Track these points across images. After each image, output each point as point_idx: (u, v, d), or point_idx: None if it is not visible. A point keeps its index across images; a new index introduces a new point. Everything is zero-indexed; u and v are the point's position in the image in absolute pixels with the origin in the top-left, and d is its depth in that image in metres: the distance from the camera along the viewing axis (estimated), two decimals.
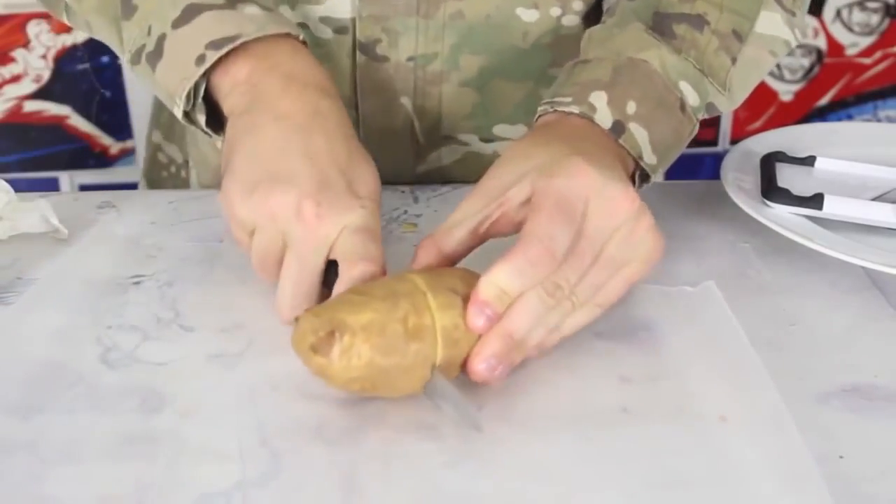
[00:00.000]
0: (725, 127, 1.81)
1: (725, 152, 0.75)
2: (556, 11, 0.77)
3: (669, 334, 0.59)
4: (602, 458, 0.49)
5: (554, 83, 0.67)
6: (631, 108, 0.62)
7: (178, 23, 0.62)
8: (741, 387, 0.54)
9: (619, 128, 0.62)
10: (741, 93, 0.69)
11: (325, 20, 0.76)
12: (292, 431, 0.51)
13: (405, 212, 0.74)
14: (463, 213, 0.57)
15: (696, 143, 1.99)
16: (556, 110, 0.63)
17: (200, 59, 0.61)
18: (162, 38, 0.63)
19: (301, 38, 0.64)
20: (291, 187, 0.56)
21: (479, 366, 0.52)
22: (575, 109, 0.62)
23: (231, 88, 0.62)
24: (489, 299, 0.52)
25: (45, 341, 0.58)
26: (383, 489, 0.47)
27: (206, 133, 0.65)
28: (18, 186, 0.71)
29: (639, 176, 0.64)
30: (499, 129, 0.82)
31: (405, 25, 0.75)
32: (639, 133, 0.62)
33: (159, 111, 0.92)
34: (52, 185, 1.68)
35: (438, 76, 0.78)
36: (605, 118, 0.62)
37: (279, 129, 0.58)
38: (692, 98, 0.65)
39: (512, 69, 0.79)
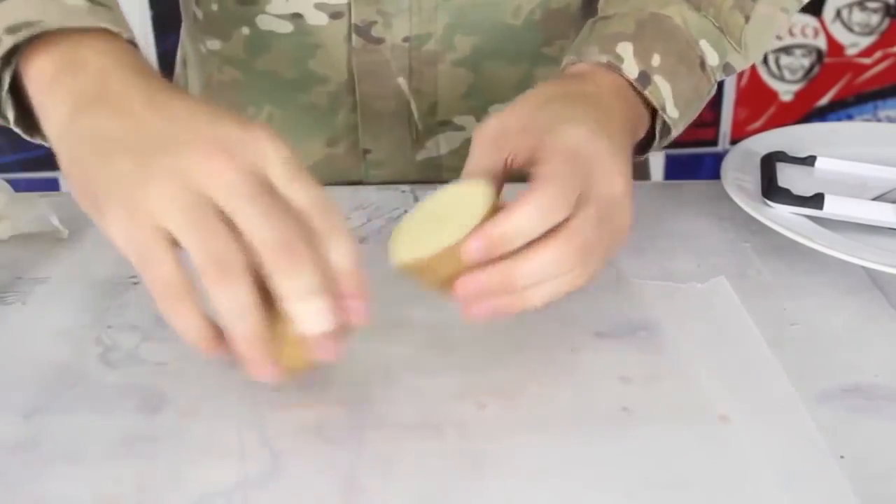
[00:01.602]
0: (725, 127, 1.81)
1: (725, 152, 0.75)
2: None
3: (674, 332, 0.59)
4: (602, 458, 0.49)
5: (576, 39, 0.67)
6: (656, 60, 0.62)
7: None
8: (752, 381, 0.54)
9: (644, 79, 0.62)
10: (755, 51, 0.70)
11: (320, 6, 0.76)
12: (292, 431, 0.51)
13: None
14: (476, 166, 0.57)
15: (696, 143, 2.00)
16: (582, 60, 0.63)
17: None
18: None
19: (126, 36, 0.54)
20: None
21: (465, 282, 0.51)
22: (602, 59, 0.62)
23: (39, 89, 0.53)
24: (494, 236, 0.50)
25: (45, 341, 0.58)
26: (383, 489, 0.47)
27: (17, 130, 0.57)
28: (18, 186, 0.71)
29: (660, 131, 0.65)
30: (495, 109, 0.82)
31: (398, 6, 0.76)
32: (663, 86, 0.62)
33: None
34: (52, 185, 1.68)
35: (433, 56, 0.78)
36: (631, 69, 0.62)
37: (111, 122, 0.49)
38: (711, 57, 0.66)
39: (505, 48, 0.80)
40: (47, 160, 1.80)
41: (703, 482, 0.48)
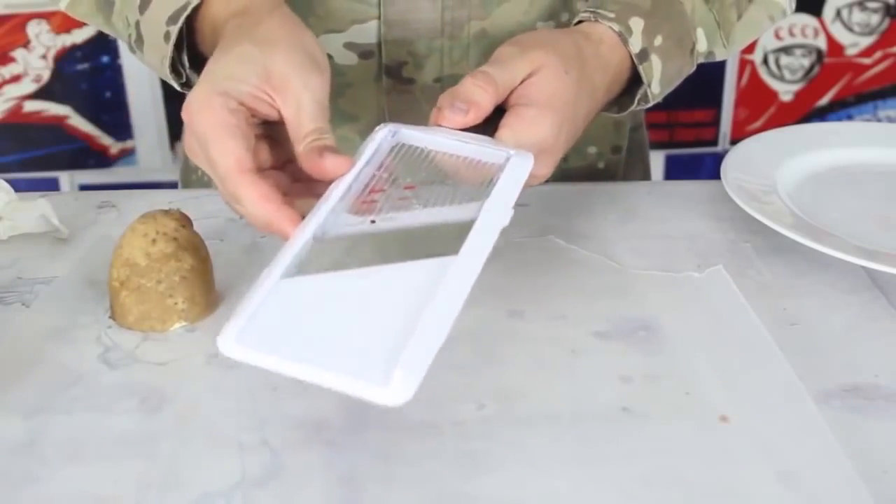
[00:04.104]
0: (725, 127, 1.81)
1: (725, 152, 0.75)
2: (565, 17, 0.78)
3: (673, 329, 0.59)
4: (602, 457, 0.49)
5: None
6: (658, 40, 0.67)
7: (143, 6, 0.64)
8: (755, 376, 0.55)
9: (643, 56, 0.66)
10: (737, 47, 0.75)
11: (349, 46, 0.76)
12: (292, 431, 0.51)
13: None
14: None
15: (696, 143, 1.99)
16: (597, 20, 0.66)
17: (166, 36, 0.62)
18: (137, 25, 0.65)
19: None
20: None
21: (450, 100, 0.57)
22: (615, 27, 0.66)
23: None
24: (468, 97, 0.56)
25: (45, 341, 0.58)
26: (383, 489, 0.47)
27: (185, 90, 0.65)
28: (18, 186, 0.71)
29: (639, 99, 0.69)
30: None
31: (430, 47, 0.76)
32: (656, 65, 0.67)
33: None
34: (52, 185, 1.68)
35: None
36: (636, 43, 0.66)
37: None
38: (701, 45, 0.70)
39: None
40: (47, 160, 1.79)
41: (703, 482, 0.48)
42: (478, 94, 0.57)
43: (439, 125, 0.57)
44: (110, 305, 0.60)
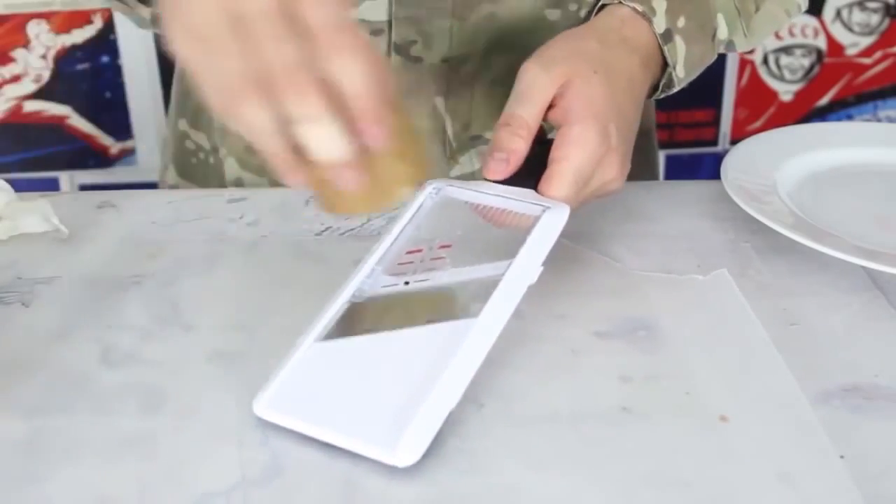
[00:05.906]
0: (725, 127, 1.81)
1: (725, 152, 0.75)
2: (573, 6, 0.79)
3: (674, 329, 0.59)
4: (602, 457, 0.49)
5: None
6: (681, 22, 0.68)
7: None
8: (754, 378, 0.55)
9: (668, 36, 0.68)
10: (756, 40, 0.75)
11: (360, 23, 0.76)
12: (292, 431, 0.51)
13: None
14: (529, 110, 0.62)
15: (696, 143, 1.99)
16: (621, 2, 0.67)
17: None
18: None
19: None
20: None
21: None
22: (638, 7, 0.67)
23: None
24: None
25: (45, 341, 0.58)
26: (383, 489, 0.47)
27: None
28: (18, 186, 0.71)
29: (664, 84, 0.70)
30: None
31: (440, 27, 0.76)
32: (680, 46, 0.68)
33: (184, 99, 0.92)
34: (52, 185, 1.68)
35: (471, 77, 0.79)
36: (660, 23, 0.67)
37: None
38: (722, 31, 0.71)
39: None
40: (47, 160, 1.79)
41: (703, 482, 0.48)
42: (514, 142, 0.60)
43: (485, 178, 0.60)
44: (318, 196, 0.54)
